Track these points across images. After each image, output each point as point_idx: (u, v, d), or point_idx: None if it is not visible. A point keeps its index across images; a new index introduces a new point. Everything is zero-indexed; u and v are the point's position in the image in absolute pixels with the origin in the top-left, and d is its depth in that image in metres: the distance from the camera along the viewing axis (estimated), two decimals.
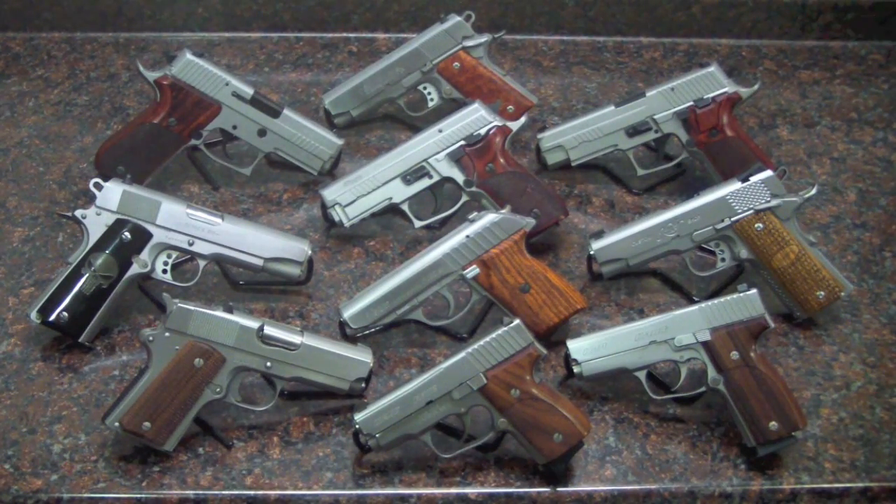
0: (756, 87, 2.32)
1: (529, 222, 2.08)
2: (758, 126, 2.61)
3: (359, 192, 2.24)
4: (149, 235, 2.07)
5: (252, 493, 1.86)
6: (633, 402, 2.01)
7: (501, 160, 2.23)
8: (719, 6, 2.81)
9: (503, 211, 2.07)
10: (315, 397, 1.99)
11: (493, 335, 1.86)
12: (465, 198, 2.25)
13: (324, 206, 2.26)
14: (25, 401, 1.98)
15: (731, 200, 2.10)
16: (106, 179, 2.08)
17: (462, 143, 2.23)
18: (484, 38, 2.45)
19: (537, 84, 2.70)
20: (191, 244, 2.08)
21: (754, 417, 1.89)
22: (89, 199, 2.08)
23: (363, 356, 1.95)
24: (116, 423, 1.86)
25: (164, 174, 2.38)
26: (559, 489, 1.88)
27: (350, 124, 2.51)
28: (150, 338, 1.88)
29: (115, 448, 1.91)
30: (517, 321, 1.87)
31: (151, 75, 2.29)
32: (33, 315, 2.02)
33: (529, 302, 2.05)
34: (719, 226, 2.11)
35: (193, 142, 2.32)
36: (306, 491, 1.86)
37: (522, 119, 2.30)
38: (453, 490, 1.87)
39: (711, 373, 1.92)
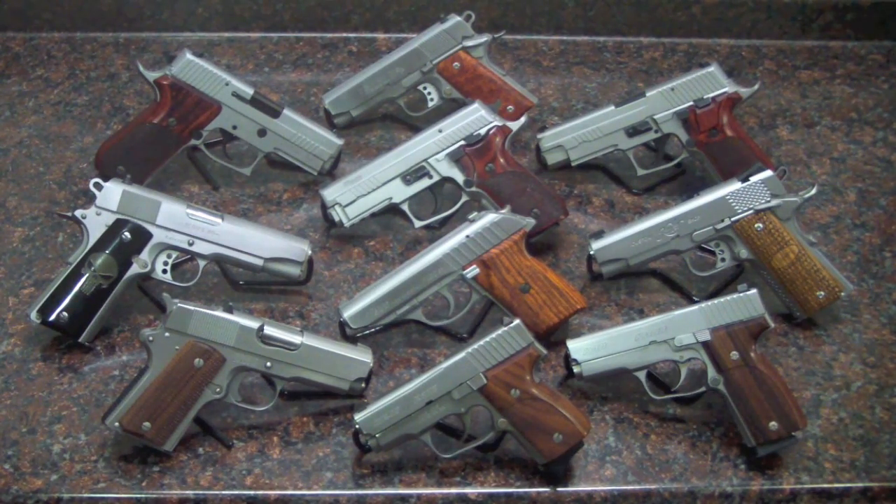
0: (756, 87, 2.33)
1: (529, 222, 2.08)
2: (758, 126, 2.61)
3: (359, 192, 2.24)
4: (149, 235, 2.07)
5: (252, 493, 1.86)
6: (633, 402, 2.01)
7: (501, 160, 2.23)
8: (719, 6, 2.81)
9: (503, 211, 2.07)
10: (315, 397, 1.99)
11: (493, 335, 1.86)
12: (465, 198, 2.25)
13: (324, 206, 2.26)
14: (25, 401, 1.98)
15: (731, 200, 2.10)
16: (106, 179, 2.08)
17: (462, 143, 2.23)
18: (484, 38, 2.45)
19: (537, 84, 2.70)
20: (191, 244, 2.08)
21: (754, 417, 1.89)
22: (89, 199, 2.08)
23: (363, 356, 1.95)
24: (116, 423, 1.87)
25: (164, 174, 2.38)
26: (559, 489, 1.88)
27: (350, 124, 2.51)
28: (150, 338, 1.88)
29: (115, 448, 1.91)
30: (517, 321, 1.87)
31: (151, 75, 2.29)
32: (33, 315, 2.02)
33: (529, 302, 2.05)
34: (719, 226, 2.11)
35: (193, 142, 2.32)
36: (306, 491, 1.86)
37: (522, 119, 2.30)
38: (453, 490, 1.87)
39: (711, 373, 1.92)
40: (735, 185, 2.11)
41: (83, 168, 2.44)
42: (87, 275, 2.04)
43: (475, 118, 2.24)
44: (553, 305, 2.06)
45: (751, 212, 2.10)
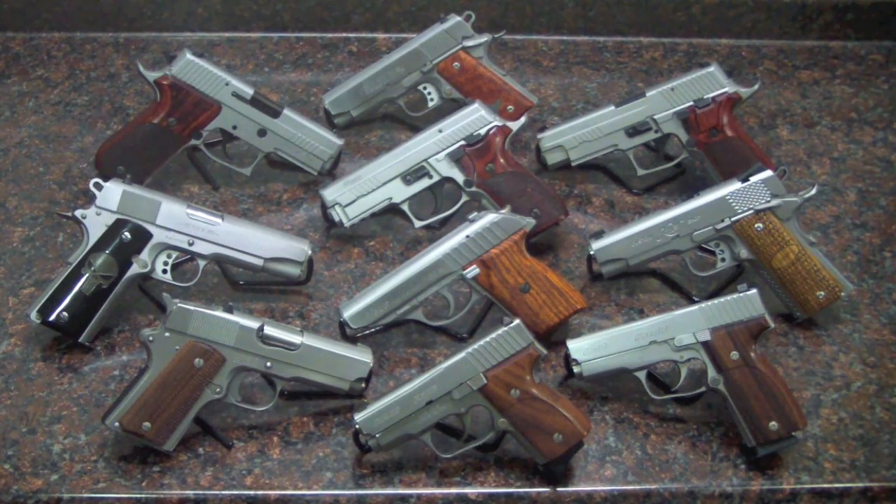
0: (756, 87, 2.32)
1: (529, 222, 2.08)
2: (758, 126, 2.61)
3: (359, 192, 2.24)
4: (149, 235, 2.07)
5: (252, 493, 1.86)
6: (633, 402, 2.01)
7: (501, 160, 2.23)
8: (719, 6, 2.81)
9: (503, 211, 2.07)
10: (315, 397, 1.99)
11: (493, 335, 1.86)
12: (465, 198, 2.25)
13: (324, 206, 2.26)
14: (25, 401, 1.98)
15: (731, 200, 2.10)
16: (106, 179, 2.08)
17: (462, 143, 2.23)
18: (484, 38, 2.45)
19: (537, 84, 2.70)
20: (191, 244, 2.08)
21: (754, 417, 1.89)
22: (89, 199, 2.08)
23: (363, 356, 1.95)
24: (116, 423, 1.87)
25: (164, 174, 2.38)
26: (559, 489, 1.88)
27: (350, 124, 2.51)
28: (150, 338, 1.88)
29: (115, 448, 1.91)
30: (517, 321, 1.87)
31: (151, 75, 2.29)
32: (33, 315, 2.02)
33: (529, 302, 2.05)
34: (719, 226, 2.11)
35: (193, 142, 2.32)
36: (306, 491, 1.86)
37: (522, 119, 2.30)
38: (453, 490, 1.87)
39: (711, 373, 1.92)
40: (735, 185, 2.11)
41: (83, 168, 2.44)
42: (87, 275, 2.04)
43: (475, 118, 2.24)
44: (553, 305, 2.06)
45: (751, 212, 2.10)
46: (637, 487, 1.89)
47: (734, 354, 1.91)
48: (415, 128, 2.45)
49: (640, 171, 2.37)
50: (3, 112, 2.59)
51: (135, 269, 2.06)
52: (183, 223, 2.08)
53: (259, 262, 2.10)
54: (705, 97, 2.30)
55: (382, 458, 1.91)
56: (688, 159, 2.37)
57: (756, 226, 2.10)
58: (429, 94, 2.49)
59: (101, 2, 2.77)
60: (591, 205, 2.39)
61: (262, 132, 2.33)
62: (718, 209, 2.11)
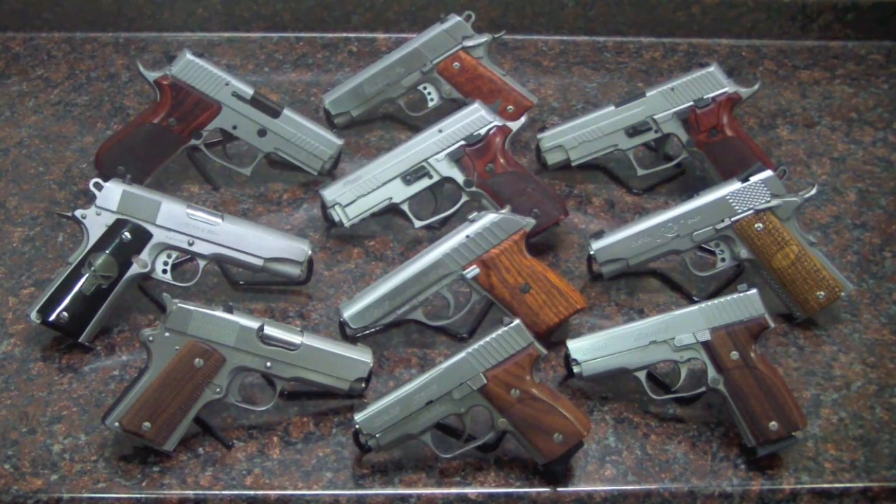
0: (756, 87, 2.32)
1: (529, 222, 2.08)
2: (758, 126, 2.61)
3: (359, 192, 2.24)
4: (149, 235, 2.07)
5: (252, 493, 1.86)
6: (633, 402, 2.01)
7: (501, 160, 2.23)
8: (719, 6, 2.81)
9: (503, 211, 2.07)
10: (315, 397, 1.99)
11: (493, 335, 1.86)
12: (465, 198, 2.25)
13: (324, 206, 2.26)
14: (25, 401, 1.98)
15: (731, 200, 2.10)
16: (106, 179, 2.08)
17: (462, 143, 2.23)
18: (484, 38, 2.45)
19: (537, 84, 2.70)
20: (191, 244, 2.08)
21: (754, 417, 1.89)
22: (89, 199, 2.08)
23: (363, 356, 1.95)
24: (116, 423, 1.87)
25: (164, 174, 2.38)
26: (559, 489, 1.88)
27: (350, 124, 2.51)
28: (150, 338, 1.88)
29: (115, 448, 1.91)
30: (517, 321, 1.87)
31: (151, 75, 2.29)
32: (33, 315, 2.02)
33: (529, 302, 2.05)
34: (719, 226, 2.11)
35: (193, 142, 2.32)
36: (306, 491, 1.86)
37: (522, 119, 2.30)
38: (453, 490, 1.87)
39: (711, 373, 1.92)
40: (735, 185, 2.11)
41: (83, 168, 2.44)
42: (87, 275, 2.04)
43: (475, 118, 2.24)
44: (553, 305, 2.06)
45: (751, 212, 2.10)
46: (637, 487, 1.89)
47: (734, 354, 1.91)
48: (415, 128, 2.45)
49: (640, 171, 2.37)
50: (3, 112, 2.59)
51: (135, 269, 2.06)
52: (183, 223, 2.08)
53: (259, 262, 2.10)
54: (705, 97, 2.30)
55: (382, 458, 1.91)
56: (688, 159, 2.37)
57: (756, 226, 2.10)
58: (429, 94, 2.49)
59: (101, 2, 2.77)
60: (591, 205, 2.39)
61: (262, 132, 2.33)
62: (718, 209, 2.11)
